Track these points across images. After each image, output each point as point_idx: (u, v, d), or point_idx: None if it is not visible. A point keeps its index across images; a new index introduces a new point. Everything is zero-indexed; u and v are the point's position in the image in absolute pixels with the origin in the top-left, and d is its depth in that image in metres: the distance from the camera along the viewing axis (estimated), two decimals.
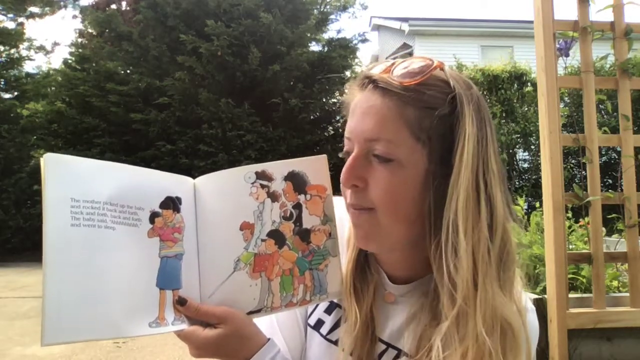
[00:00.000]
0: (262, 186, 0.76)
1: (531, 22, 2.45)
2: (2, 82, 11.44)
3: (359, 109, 0.71)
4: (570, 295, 2.29)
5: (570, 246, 2.90)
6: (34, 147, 10.71)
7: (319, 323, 0.84)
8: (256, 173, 0.76)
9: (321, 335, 0.84)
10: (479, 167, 0.67)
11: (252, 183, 0.75)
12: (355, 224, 0.74)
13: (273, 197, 0.76)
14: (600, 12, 2.46)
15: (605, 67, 6.57)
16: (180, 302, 0.70)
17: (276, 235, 0.76)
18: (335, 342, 0.81)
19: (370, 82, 0.71)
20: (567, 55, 2.43)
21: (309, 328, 0.86)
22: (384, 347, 0.78)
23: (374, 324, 0.78)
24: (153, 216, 0.71)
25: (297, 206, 0.77)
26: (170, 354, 3.69)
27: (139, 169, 0.73)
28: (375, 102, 0.69)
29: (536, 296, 2.34)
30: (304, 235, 0.77)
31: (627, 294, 2.33)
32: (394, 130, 0.67)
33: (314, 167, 0.78)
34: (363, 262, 0.81)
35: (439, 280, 0.68)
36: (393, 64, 0.72)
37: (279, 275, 0.75)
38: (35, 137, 10.79)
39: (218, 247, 0.75)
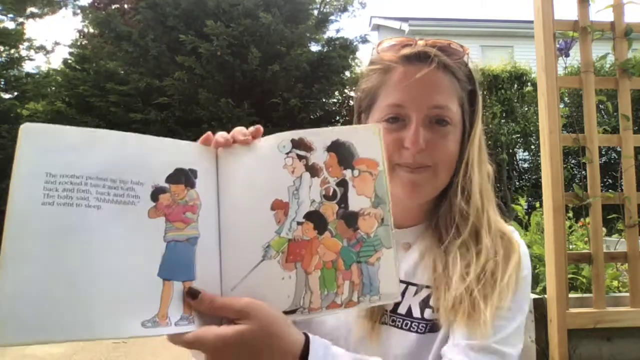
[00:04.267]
0: (300, 157, 0.64)
1: (531, 22, 2.45)
2: (2, 82, 11.43)
3: (416, 80, 0.79)
4: (570, 295, 2.29)
5: (570, 246, 2.90)
6: None
7: None
8: (292, 141, 0.64)
9: None
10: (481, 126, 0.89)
11: (287, 153, 0.63)
12: (414, 181, 0.81)
13: (312, 171, 0.63)
14: (600, 12, 2.46)
15: (605, 67, 6.57)
16: (192, 294, 0.58)
17: (315, 218, 0.63)
18: None
19: (427, 56, 0.81)
20: (567, 55, 2.43)
21: None
22: (403, 286, 0.83)
23: None
24: (157, 192, 0.60)
25: (342, 183, 0.64)
26: (173, 351, 3.67)
27: (145, 137, 0.62)
28: (438, 75, 0.82)
29: (536, 296, 2.34)
30: (350, 219, 0.63)
31: (627, 294, 2.33)
32: (452, 99, 0.83)
33: (365, 138, 0.65)
34: None
35: (455, 206, 0.83)
36: (429, 41, 0.84)
37: (319, 268, 0.62)
38: None
39: (244, 230, 0.62)
